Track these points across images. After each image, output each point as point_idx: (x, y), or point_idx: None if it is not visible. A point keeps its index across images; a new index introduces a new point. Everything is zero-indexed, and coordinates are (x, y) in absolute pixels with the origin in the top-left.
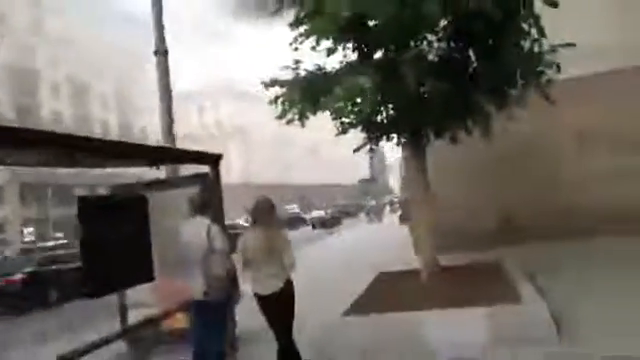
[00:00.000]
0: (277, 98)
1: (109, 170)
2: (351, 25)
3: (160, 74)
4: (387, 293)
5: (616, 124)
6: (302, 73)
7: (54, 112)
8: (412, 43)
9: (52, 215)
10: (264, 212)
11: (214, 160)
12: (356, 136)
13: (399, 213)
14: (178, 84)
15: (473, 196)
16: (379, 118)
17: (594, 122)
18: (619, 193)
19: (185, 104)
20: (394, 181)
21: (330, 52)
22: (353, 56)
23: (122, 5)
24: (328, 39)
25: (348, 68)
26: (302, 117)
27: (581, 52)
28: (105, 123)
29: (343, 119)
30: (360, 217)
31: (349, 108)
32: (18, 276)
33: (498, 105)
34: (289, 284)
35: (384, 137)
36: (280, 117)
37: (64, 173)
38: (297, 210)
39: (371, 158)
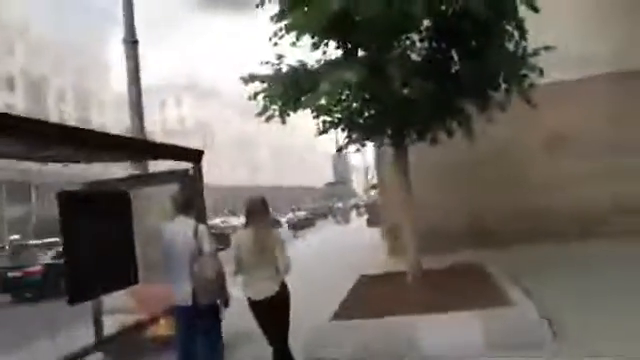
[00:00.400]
0: (257, 94)
1: (66, 169)
2: (335, 21)
3: (129, 64)
4: (373, 297)
5: (595, 128)
6: (284, 68)
7: (8, 105)
8: (395, 42)
9: (7, 215)
10: (257, 212)
11: (196, 156)
12: (329, 138)
13: (366, 216)
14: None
15: (445, 198)
16: (361, 118)
17: (572, 126)
18: (594, 196)
19: (146, 99)
20: (357, 184)
21: (314, 47)
22: (334, 53)
23: None
24: (311, 35)
25: (331, 65)
26: (283, 114)
27: (563, 57)
28: (62, 118)
29: (325, 118)
30: (328, 219)
31: (333, 106)
32: (37, 267)
33: (480, 107)
34: (284, 287)
35: (366, 137)
36: (260, 114)
37: (19, 170)
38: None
39: (335, 161)
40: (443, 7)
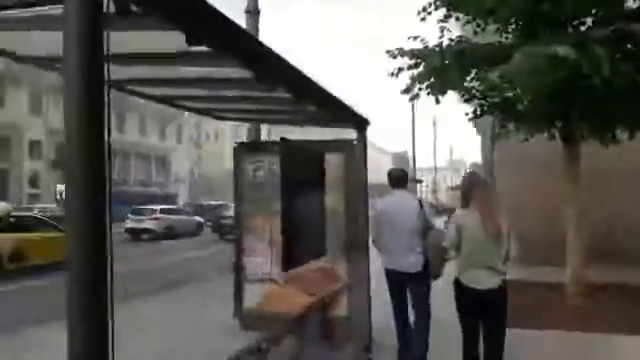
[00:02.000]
0: (400, 70)
1: None
2: None
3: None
4: (534, 306)
5: None
6: (445, 43)
7: None
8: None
9: None
10: (479, 189)
11: (363, 124)
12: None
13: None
14: None
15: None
16: (520, 105)
17: None
18: None
19: None
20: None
21: (501, 22)
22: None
23: None
24: (482, 11)
25: (517, 42)
26: (441, 92)
27: None
28: None
29: (481, 102)
30: None
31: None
32: None
33: None
34: (505, 284)
35: (530, 128)
36: (406, 91)
37: None
38: None
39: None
40: None
